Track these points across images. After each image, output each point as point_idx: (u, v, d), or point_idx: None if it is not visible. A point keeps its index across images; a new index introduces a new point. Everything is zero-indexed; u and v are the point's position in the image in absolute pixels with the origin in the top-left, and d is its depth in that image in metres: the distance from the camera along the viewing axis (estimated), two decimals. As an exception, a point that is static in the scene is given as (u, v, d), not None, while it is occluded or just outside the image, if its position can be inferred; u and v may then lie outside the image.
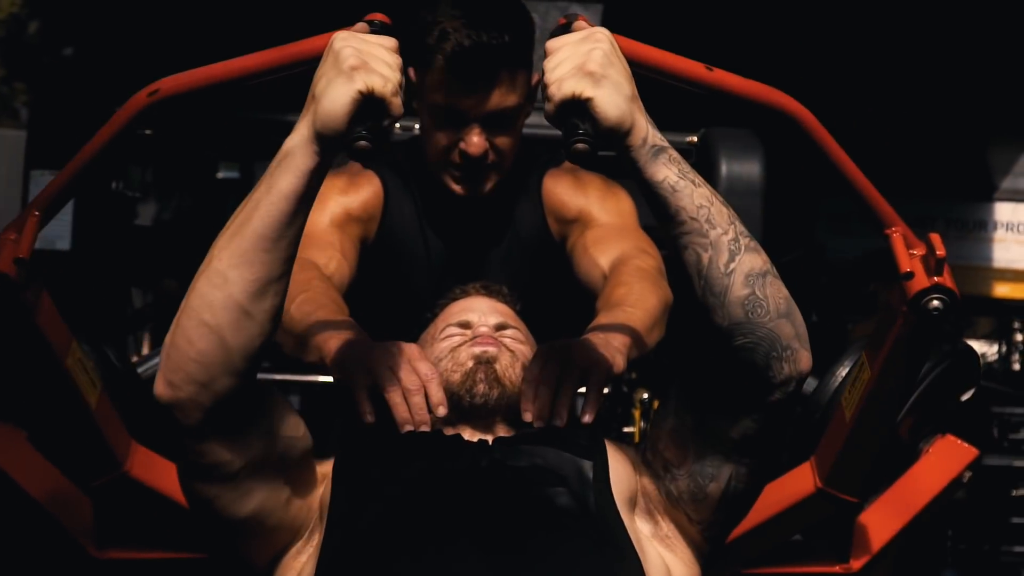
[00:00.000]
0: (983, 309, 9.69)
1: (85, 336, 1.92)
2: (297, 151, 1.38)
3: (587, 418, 1.61)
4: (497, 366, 1.71)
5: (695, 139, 2.63)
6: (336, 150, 1.37)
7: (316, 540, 1.58)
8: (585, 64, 1.37)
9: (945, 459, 1.99)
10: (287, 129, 2.82)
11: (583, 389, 1.68)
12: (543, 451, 1.58)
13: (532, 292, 2.00)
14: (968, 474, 1.98)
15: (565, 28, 1.45)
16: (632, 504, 1.61)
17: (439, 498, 1.51)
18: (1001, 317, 11.14)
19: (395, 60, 1.38)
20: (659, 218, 1.44)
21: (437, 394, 1.63)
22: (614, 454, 1.63)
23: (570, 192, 2.15)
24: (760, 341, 1.44)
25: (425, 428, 1.60)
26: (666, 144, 1.42)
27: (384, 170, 2.17)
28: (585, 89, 1.36)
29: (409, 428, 1.59)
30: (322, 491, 1.61)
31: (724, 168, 2.45)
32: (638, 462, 1.65)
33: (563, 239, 2.14)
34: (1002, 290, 8.49)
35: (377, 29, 1.44)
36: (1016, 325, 11.68)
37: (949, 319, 1.56)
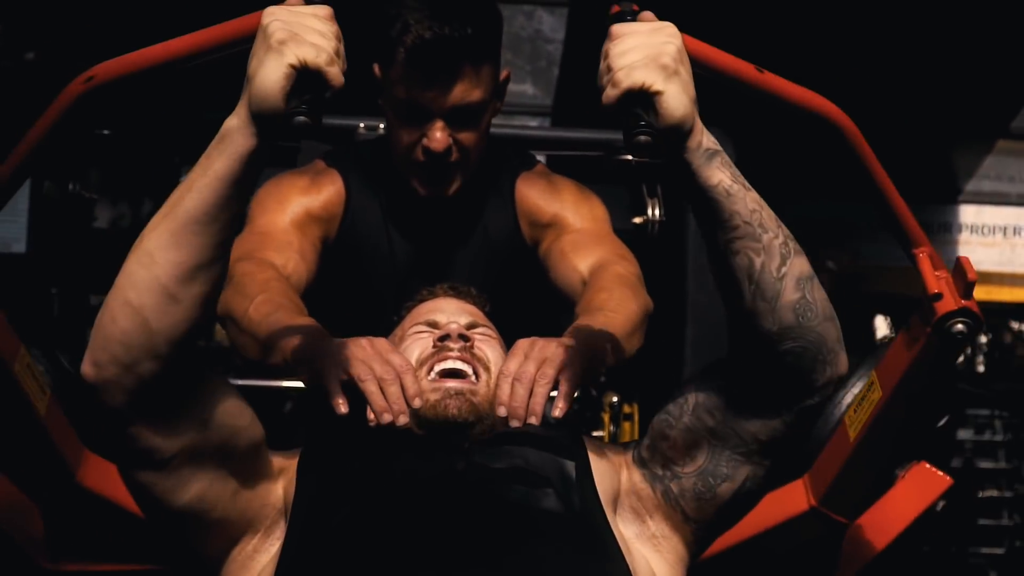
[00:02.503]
0: (948, 311, 9.74)
1: (38, 341, 1.87)
2: (234, 133, 1.32)
3: (557, 412, 1.58)
4: (473, 399, 1.64)
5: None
6: (275, 130, 1.32)
7: (276, 538, 1.54)
8: (659, 56, 1.34)
9: (920, 487, 1.97)
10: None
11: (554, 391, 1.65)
12: (523, 451, 1.55)
13: (500, 295, 1.96)
14: (942, 503, 1.95)
15: (623, 15, 1.41)
16: (614, 504, 1.58)
17: (414, 502, 1.47)
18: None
19: (329, 28, 1.34)
20: (709, 223, 1.42)
21: (413, 385, 1.59)
22: (594, 454, 1.60)
23: (544, 196, 2.12)
24: (809, 345, 1.44)
25: (404, 419, 1.56)
26: (719, 148, 1.40)
27: (348, 169, 2.13)
28: (656, 82, 1.33)
29: (388, 417, 1.55)
30: (282, 486, 1.57)
31: (694, 167, 2.42)
32: (625, 461, 1.62)
33: (535, 243, 2.11)
34: (967, 292, 8.53)
35: (313, 0, 1.38)
36: (980, 327, 11.78)
37: (972, 343, 1.56)
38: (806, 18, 6.28)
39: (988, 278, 8.55)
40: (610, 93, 1.35)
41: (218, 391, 1.47)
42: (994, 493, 5.28)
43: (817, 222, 8.53)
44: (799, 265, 1.43)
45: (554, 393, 1.61)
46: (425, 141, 1.96)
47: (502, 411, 1.58)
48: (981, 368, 11.48)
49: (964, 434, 5.78)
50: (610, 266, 1.93)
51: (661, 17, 1.42)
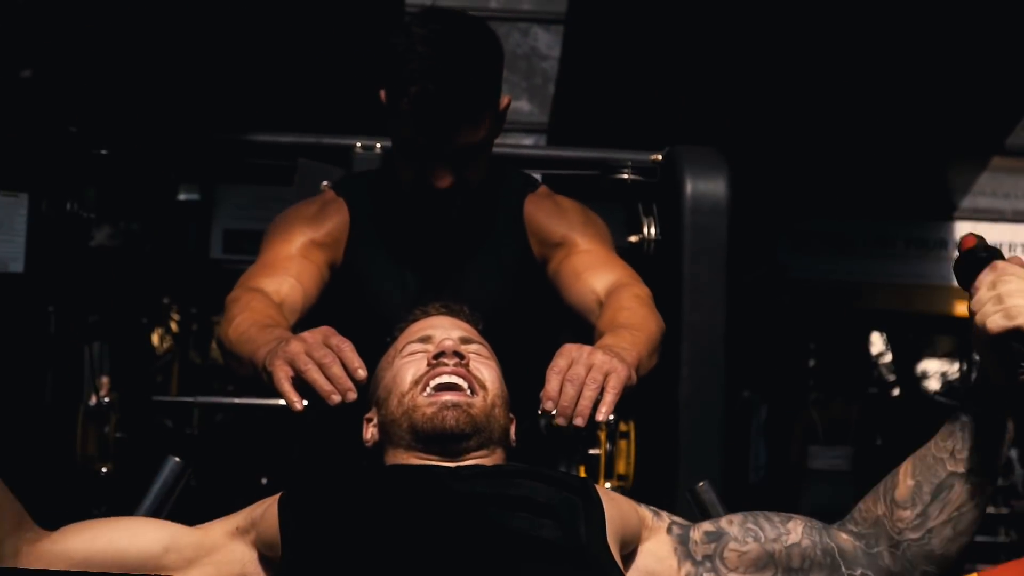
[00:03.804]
0: (944, 328, 9.75)
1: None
2: None
3: (601, 416, 1.60)
4: (472, 411, 1.67)
5: (659, 157, 2.61)
6: None
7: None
8: None
9: None
10: (249, 149, 2.81)
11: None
12: (531, 484, 1.56)
13: (511, 312, 2.00)
14: None
15: (987, 251, 1.53)
16: (622, 552, 1.59)
17: (413, 530, 1.48)
18: (961, 336, 11.20)
19: None
20: (979, 452, 1.54)
21: (353, 359, 1.61)
22: (609, 503, 1.61)
23: (553, 217, 2.17)
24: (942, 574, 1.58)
25: (351, 395, 1.59)
26: None
27: (355, 196, 2.18)
28: None
29: (336, 399, 1.57)
30: (250, 539, 1.61)
31: (689, 186, 2.43)
32: (657, 527, 1.67)
33: (544, 261, 2.15)
34: (962, 309, 8.50)
35: None
36: (976, 343, 11.78)
37: None
38: (802, 36, 6.30)
39: (984, 295, 8.54)
40: (1001, 323, 1.45)
41: (62, 544, 1.55)
42: (991, 510, 5.30)
43: (817, 236, 8.55)
44: (981, 518, 1.58)
45: None
46: (430, 178, 2.00)
47: (549, 405, 1.61)
48: (978, 384, 11.47)
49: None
50: (628, 287, 1.99)
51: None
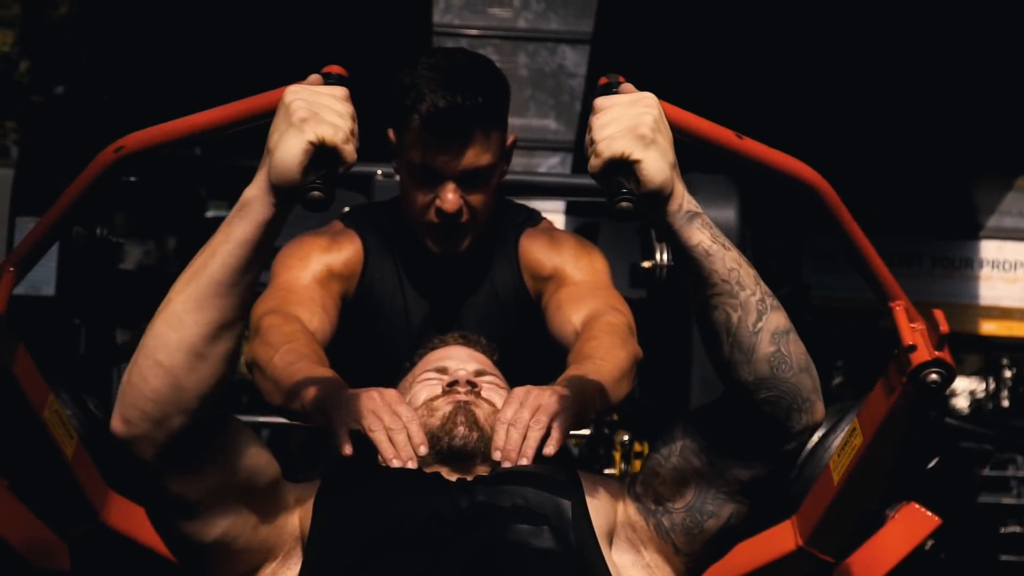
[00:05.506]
0: (970, 346, 9.72)
1: (65, 384, 1.94)
2: (255, 202, 1.41)
3: (549, 450, 1.67)
4: (476, 411, 1.74)
5: (672, 185, 2.65)
6: (292, 200, 1.40)
7: (294, 563, 1.62)
8: (636, 127, 1.41)
9: (909, 527, 2.01)
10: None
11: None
12: (523, 490, 1.61)
13: (510, 348, 2.03)
14: (931, 542, 1.99)
15: (608, 88, 1.48)
16: (611, 536, 1.65)
17: (420, 538, 1.54)
18: (988, 354, 11.17)
19: (345, 109, 1.42)
20: (690, 281, 1.50)
21: (418, 434, 1.67)
22: (590, 489, 1.66)
23: (545, 251, 2.19)
24: (783, 395, 1.52)
25: (411, 464, 1.64)
26: (700, 210, 1.47)
27: (365, 230, 2.21)
28: (635, 151, 1.40)
29: (397, 463, 1.64)
30: (299, 516, 1.64)
31: (700, 214, 2.48)
32: (621, 494, 1.69)
33: (538, 296, 2.18)
34: (988, 327, 8.53)
35: (331, 80, 1.47)
36: (1004, 362, 11.75)
37: (945, 392, 1.61)
38: (829, 56, 6.33)
39: (1010, 313, 8.54)
40: (593, 163, 1.42)
41: (239, 436, 1.55)
42: (1016, 529, 5.29)
43: (841, 255, 8.55)
44: (775, 320, 1.51)
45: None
46: (438, 202, 2.04)
47: (497, 455, 1.67)
48: (1006, 403, 11.46)
49: (985, 471, 5.78)
50: (601, 316, 2.00)
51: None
